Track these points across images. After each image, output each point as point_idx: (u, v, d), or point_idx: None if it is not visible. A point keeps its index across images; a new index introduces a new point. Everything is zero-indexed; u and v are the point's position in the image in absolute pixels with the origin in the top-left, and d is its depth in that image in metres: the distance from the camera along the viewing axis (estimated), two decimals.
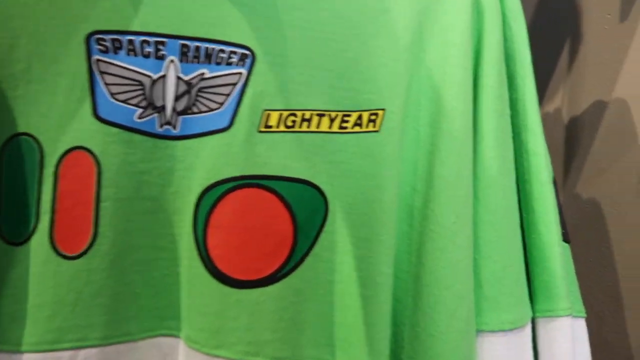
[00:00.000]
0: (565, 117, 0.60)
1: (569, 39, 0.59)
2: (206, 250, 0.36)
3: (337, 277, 0.37)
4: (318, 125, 0.36)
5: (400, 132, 0.37)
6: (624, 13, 0.53)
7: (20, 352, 0.33)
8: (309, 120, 0.36)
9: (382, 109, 0.37)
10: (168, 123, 0.36)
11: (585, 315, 0.42)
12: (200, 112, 0.36)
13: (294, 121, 0.36)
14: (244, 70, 0.36)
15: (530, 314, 0.39)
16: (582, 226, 0.58)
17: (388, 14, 0.37)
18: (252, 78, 0.36)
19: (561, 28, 0.60)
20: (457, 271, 0.36)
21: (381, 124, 0.37)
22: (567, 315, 0.39)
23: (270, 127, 0.36)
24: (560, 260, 0.39)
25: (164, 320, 0.37)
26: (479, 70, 0.39)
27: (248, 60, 0.36)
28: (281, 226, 0.36)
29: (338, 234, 0.37)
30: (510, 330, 0.36)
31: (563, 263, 0.40)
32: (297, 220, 0.36)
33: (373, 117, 0.37)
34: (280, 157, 0.36)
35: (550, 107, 0.61)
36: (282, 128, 0.36)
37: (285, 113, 0.36)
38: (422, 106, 0.38)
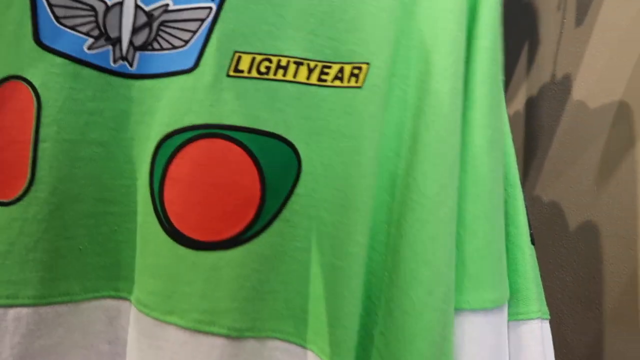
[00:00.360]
0: (525, 120, 0.61)
1: (527, 43, 0.59)
2: (162, 205, 0.32)
3: (307, 245, 0.33)
4: (295, 75, 0.32)
5: (386, 91, 0.33)
6: (579, 19, 0.54)
7: None
8: (285, 68, 0.32)
9: (367, 63, 0.33)
10: (124, 58, 0.31)
11: (549, 317, 0.40)
12: (162, 49, 0.32)
13: (268, 67, 0.32)
14: (213, 5, 0.31)
15: (508, 293, 0.37)
16: (540, 227, 0.58)
17: None
18: (223, 14, 0.31)
19: (521, 32, 0.60)
20: (437, 246, 0.33)
21: (364, 79, 0.33)
22: (538, 318, 0.36)
23: (241, 71, 0.32)
24: (530, 262, 0.37)
25: (111, 280, 0.33)
26: (474, 29, 0.36)
27: None
28: (247, 184, 0.32)
29: (310, 197, 0.33)
30: (492, 309, 0.34)
31: (533, 265, 0.37)
32: (266, 179, 0.32)
33: (356, 72, 0.32)
34: (251, 107, 0.32)
35: (510, 111, 0.61)
36: (254, 74, 0.32)
37: (259, 57, 0.32)
38: (411, 64, 0.34)
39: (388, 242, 0.34)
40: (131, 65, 0.32)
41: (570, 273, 0.56)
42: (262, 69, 0.32)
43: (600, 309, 0.53)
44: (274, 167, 0.32)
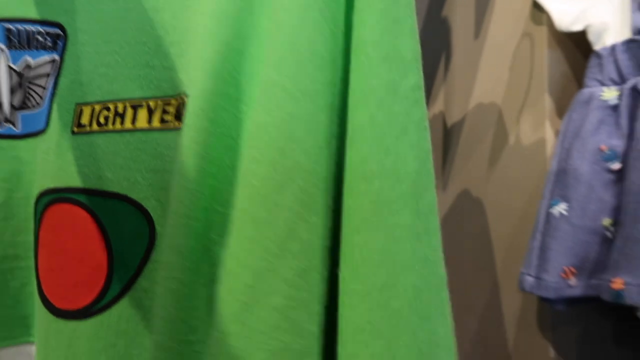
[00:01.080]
0: (443, 122, 0.69)
1: (444, 54, 0.68)
2: (37, 271, 0.31)
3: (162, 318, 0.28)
4: (133, 121, 0.28)
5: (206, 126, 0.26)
6: (476, 32, 0.63)
7: None
8: (122, 116, 0.28)
9: (185, 94, 0.26)
10: (7, 120, 0.32)
11: None
12: (32, 107, 0.31)
13: (106, 117, 0.28)
14: (56, 56, 0.29)
15: None
16: (465, 228, 0.64)
17: None
18: (65, 65, 0.29)
19: (440, 45, 0.69)
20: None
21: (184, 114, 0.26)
22: None
23: (84, 126, 0.29)
24: None
25: (30, 327, 0.34)
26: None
27: (60, 42, 0.29)
28: (94, 251, 0.29)
29: (161, 265, 0.28)
30: None
31: None
32: (112, 246, 0.29)
33: (181, 107, 0.26)
34: (93, 166, 0.28)
35: (432, 112, 0.70)
36: (94, 127, 0.29)
37: (98, 107, 0.28)
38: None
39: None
40: (15, 126, 0.32)
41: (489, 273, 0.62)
42: (102, 120, 0.28)
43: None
44: (120, 232, 0.28)
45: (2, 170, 0.33)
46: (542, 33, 0.54)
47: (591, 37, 0.51)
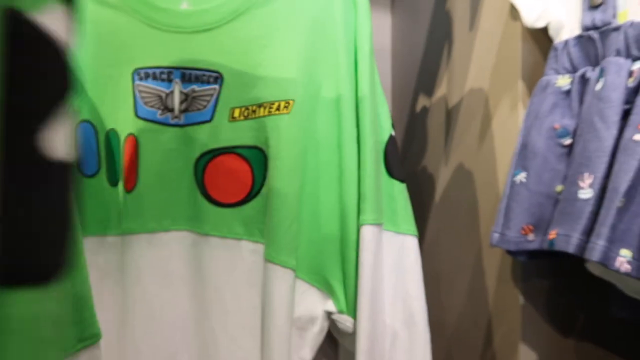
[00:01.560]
0: (446, 104, 0.78)
1: (446, 44, 0.77)
2: (203, 184, 0.59)
3: (276, 198, 0.57)
4: (258, 113, 0.57)
5: (308, 115, 0.57)
6: (472, 24, 0.71)
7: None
8: (254, 111, 0.57)
9: (292, 99, 0.56)
10: (176, 117, 0.59)
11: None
12: (194, 110, 0.58)
13: (247, 113, 0.57)
14: (216, 86, 0.58)
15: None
16: (460, 196, 0.74)
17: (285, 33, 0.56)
18: (223, 90, 0.58)
19: (443, 36, 0.79)
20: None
21: (291, 109, 0.56)
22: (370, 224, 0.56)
23: (235, 118, 0.58)
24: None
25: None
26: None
27: (219, 80, 0.58)
28: (244, 175, 0.58)
29: (274, 176, 0.57)
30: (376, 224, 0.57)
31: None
32: (253, 172, 0.58)
33: (285, 105, 0.56)
34: (241, 134, 0.58)
35: (436, 97, 0.80)
36: (241, 118, 0.58)
37: (242, 108, 0.57)
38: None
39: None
40: (180, 120, 0.59)
41: None
42: (245, 114, 0.57)
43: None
44: (256, 165, 0.57)
45: (172, 142, 0.59)
46: (517, 27, 0.62)
47: (551, 32, 0.57)
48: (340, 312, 0.57)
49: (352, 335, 0.57)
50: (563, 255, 0.50)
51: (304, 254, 0.56)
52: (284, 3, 0.57)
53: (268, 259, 0.56)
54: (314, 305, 0.57)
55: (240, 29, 0.57)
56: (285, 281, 0.55)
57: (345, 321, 0.57)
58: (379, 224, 0.57)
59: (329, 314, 0.58)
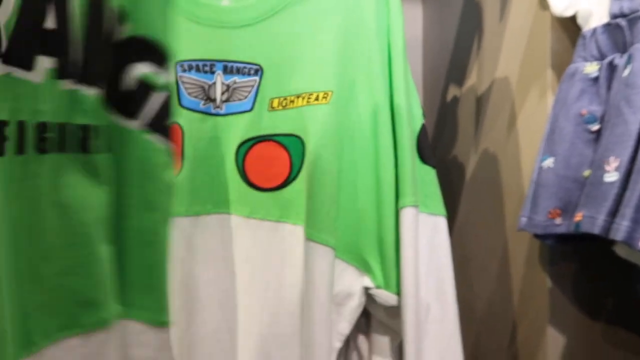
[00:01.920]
0: (476, 93, 0.81)
1: (477, 34, 0.81)
2: (244, 170, 0.62)
3: (317, 182, 0.60)
4: (296, 103, 0.60)
5: (343, 105, 0.59)
6: (502, 15, 0.74)
7: None
8: (293, 102, 0.60)
9: (331, 91, 0.59)
10: (218, 107, 0.62)
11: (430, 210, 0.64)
12: (235, 101, 0.62)
13: (285, 103, 0.60)
14: (257, 78, 0.61)
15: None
16: (488, 181, 0.78)
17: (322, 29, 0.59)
18: (262, 82, 0.61)
19: (474, 27, 0.82)
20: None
21: (330, 99, 0.59)
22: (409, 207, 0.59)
23: (274, 107, 0.61)
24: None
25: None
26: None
27: (259, 72, 0.61)
28: (282, 161, 0.61)
29: (311, 163, 0.59)
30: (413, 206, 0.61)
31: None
32: (291, 158, 0.61)
33: (324, 95, 0.59)
34: (280, 123, 0.61)
35: (466, 87, 0.84)
36: (280, 108, 0.61)
37: (281, 99, 0.61)
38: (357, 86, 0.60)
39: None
40: (221, 110, 0.62)
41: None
42: (283, 104, 0.61)
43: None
44: (293, 149, 0.61)
45: (214, 130, 0.62)
46: (546, 17, 0.63)
47: (580, 21, 0.59)
48: (378, 287, 0.60)
49: (388, 308, 0.61)
50: (590, 239, 0.51)
51: (342, 236, 0.59)
52: (319, 0, 0.61)
53: (309, 238, 0.59)
54: (351, 282, 0.60)
55: (278, 25, 0.61)
56: (326, 258, 0.58)
57: (383, 295, 0.60)
58: (417, 206, 0.60)
59: (366, 290, 0.61)
